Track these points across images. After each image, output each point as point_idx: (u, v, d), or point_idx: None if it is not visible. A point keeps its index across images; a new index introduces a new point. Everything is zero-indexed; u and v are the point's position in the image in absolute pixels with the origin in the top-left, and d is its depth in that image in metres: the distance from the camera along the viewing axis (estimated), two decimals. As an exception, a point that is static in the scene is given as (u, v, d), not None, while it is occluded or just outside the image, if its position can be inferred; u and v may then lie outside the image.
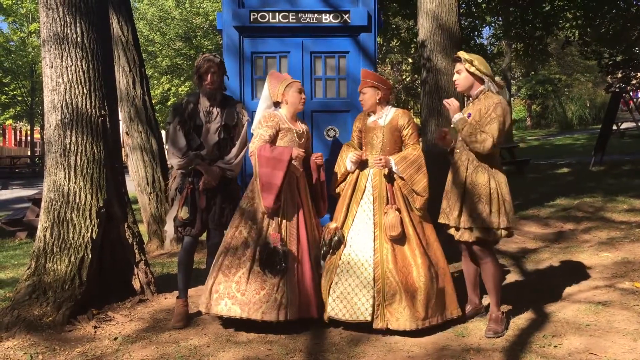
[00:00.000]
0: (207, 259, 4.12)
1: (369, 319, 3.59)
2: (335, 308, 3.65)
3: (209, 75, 3.92)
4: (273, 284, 3.64)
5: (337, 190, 4.04)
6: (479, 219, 3.51)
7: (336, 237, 3.79)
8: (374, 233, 3.74)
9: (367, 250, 3.71)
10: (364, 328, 3.61)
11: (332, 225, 3.86)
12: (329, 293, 3.69)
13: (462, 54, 3.68)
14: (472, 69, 3.60)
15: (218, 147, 3.99)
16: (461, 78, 3.67)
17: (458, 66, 3.69)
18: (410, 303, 3.55)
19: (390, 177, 3.84)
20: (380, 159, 3.80)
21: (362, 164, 3.93)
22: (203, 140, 3.97)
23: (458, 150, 3.71)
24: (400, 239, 3.71)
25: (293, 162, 3.82)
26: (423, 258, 3.68)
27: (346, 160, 3.96)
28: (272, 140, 3.87)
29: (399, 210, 3.74)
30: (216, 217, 3.98)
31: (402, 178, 3.81)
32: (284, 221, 3.80)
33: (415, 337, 3.54)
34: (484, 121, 3.53)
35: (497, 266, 3.71)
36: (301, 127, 4.01)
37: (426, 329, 3.56)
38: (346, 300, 3.64)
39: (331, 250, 3.80)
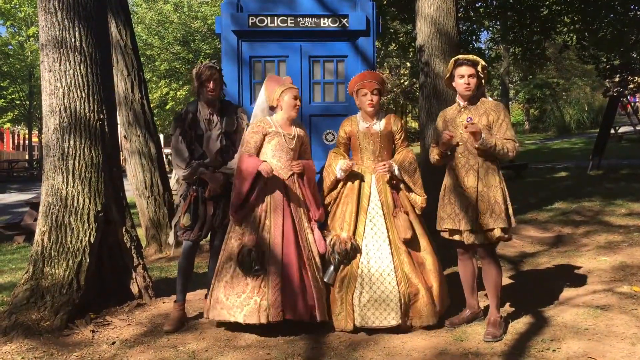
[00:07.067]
0: (210, 262, 4.10)
1: (397, 322, 3.64)
2: (364, 317, 3.65)
3: (211, 82, 3.93)
4: (254, 286, 3.66)
5: (327, 199, 3.97)
6: (500, 219, 3.54)
7: (351, 247, 3.73)
8: (389, 238, 3.78)
9: (386, 256, 3.73)
10: (390, 331, 3.66)
11: (343, 234, 3.78)
12: (352, 303, 3.67)
13: (479, 59, 3.66)
14: (482, 74, 3.64)
15: (221, 154, 4.00)
16: (476, 82, 3.63)
17: (469, 70, 3.61)
18: (430, 300, 3.70)
19: (392, 182, 3.86)
20: (385, 165, 3.83)
21: (351, 172, 3.89)
22: (205, 148, 3.97)
23: (461, 155, 3.64)
24: (412, 241, 3.78)
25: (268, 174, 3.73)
26: (432, 256, 3.83)
27: (336, 168, 3.90)
28: (260, 145, 3.86)
29: (407, 213, 3.80)
30: (220, 219, 3.98)
31: (403, 181, 3.87)
32: (267, 225, 3.77)
33: (414, 341, 3.54)
34: (499, 127, 3.59)
35: (500, 268, 3.73)
36: (295, 131, 3.92)
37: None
38: (374, 307, 3.65)
39: (345, 261, 3.74)
